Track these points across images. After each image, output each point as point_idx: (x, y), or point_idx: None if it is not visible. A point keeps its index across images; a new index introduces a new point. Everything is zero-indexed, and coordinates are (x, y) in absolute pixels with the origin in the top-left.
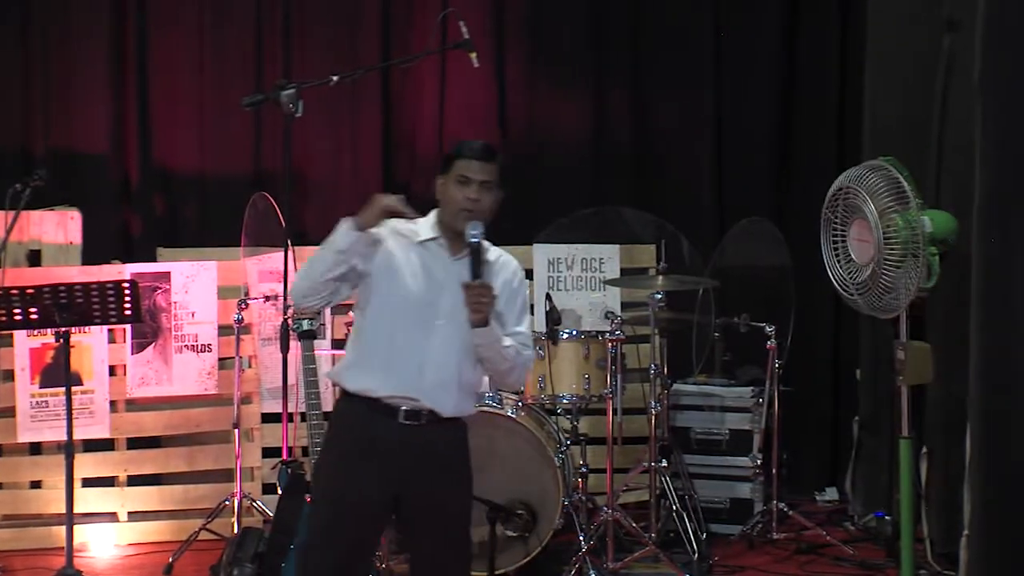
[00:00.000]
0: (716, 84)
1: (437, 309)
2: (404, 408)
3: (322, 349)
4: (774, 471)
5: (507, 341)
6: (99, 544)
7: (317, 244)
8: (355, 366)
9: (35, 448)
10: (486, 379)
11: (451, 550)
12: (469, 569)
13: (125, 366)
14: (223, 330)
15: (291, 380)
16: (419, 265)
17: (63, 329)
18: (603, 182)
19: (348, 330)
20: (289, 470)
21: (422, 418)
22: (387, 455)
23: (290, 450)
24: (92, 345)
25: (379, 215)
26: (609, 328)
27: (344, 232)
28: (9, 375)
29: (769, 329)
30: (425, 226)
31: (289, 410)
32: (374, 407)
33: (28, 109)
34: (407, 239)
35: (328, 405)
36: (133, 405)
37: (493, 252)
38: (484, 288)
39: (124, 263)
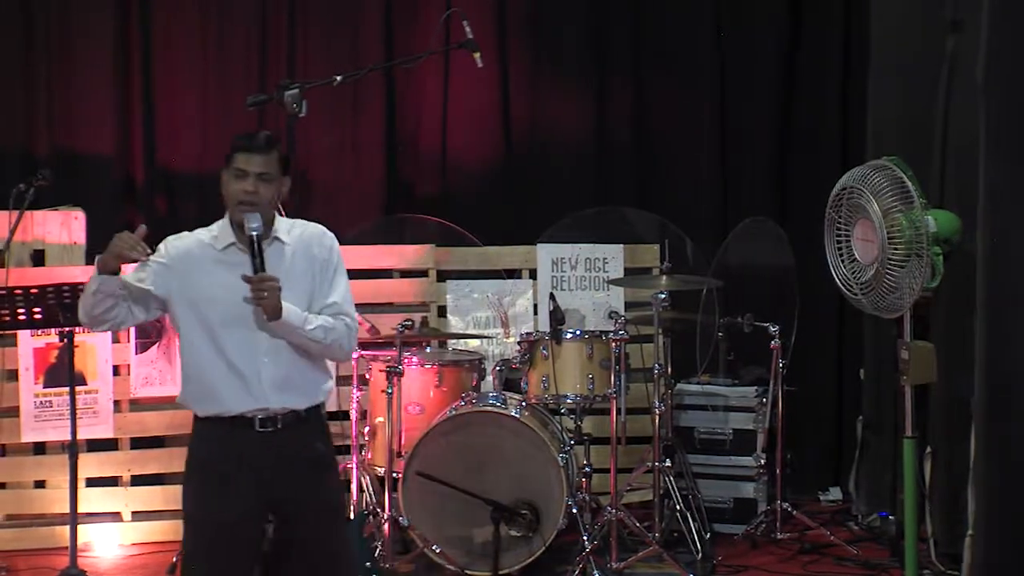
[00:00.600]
0: (718, 84)
1: (250, 316)
2: (259, 417)
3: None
4: (778, 471)
5: (313, 323)
6: (103, 544)
7: None
8: (198, 391)
9: (39, 448)
10: None
11: (332, 544)
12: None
13: (129, 366)
14: None
15: None
16: (223, 275)
17: (67, 329)
18: (606, 182)
19: None
20: None
21: (279, 422)
22: (254, 467)
23: None
24: (96, 345)
25: (114, 258)
26: (613, 328)
27: (94, 275)
28: (13, 375)
29: (773, 329)
30: (221, 232)
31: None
32: (231, 424)
33: (31, 110)
34: (210, 248)
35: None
36: (137, 405)
37: (294, 227)
38: (264, 280)
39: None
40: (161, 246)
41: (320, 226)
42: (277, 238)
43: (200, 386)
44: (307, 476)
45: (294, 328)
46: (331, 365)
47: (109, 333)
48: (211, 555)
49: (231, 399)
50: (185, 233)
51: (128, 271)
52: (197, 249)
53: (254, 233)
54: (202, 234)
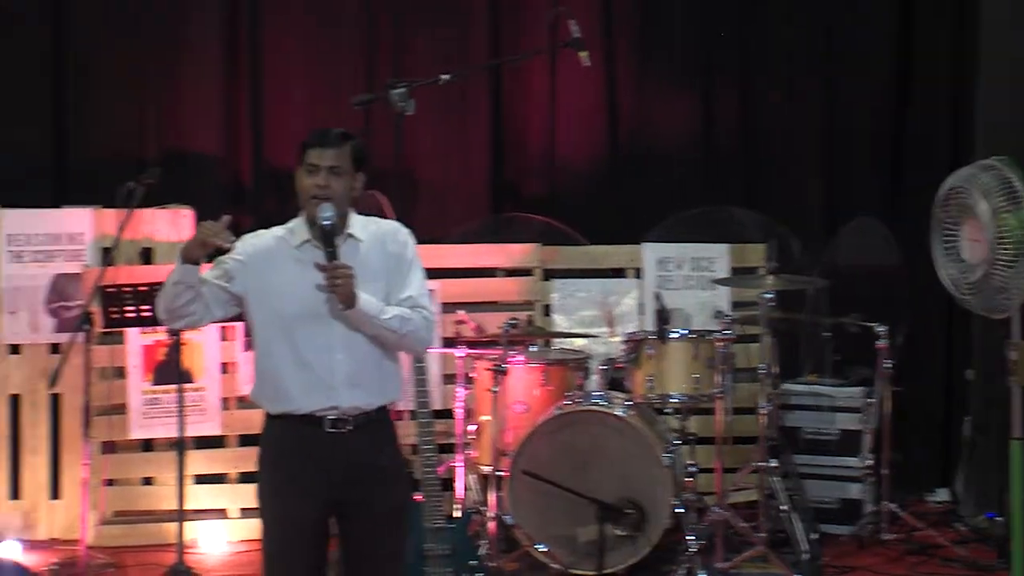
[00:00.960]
0: (827, 82)
1: (328, 309)
2: (329, 417)
3: (431, 348)
4: (884, 471)
5: (390, 312)
6: (209, 541)
7: (429, 243)
8: (270, 388)
9: (147, 445)
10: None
11: (389, 548)
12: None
13: (236, 364)
14: None
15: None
16: (299, 271)
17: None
18: (713, 182)
19: (457, 328)
20: None
21: (348, 423)
22: (323, 468)
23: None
24: (203, 343)
25: (198, 246)
26: (719, 327)
27: (176, 265)
28: (121, 372)
29: (879, 329)
30: (297, 229)
31: (398, 408)
32: (301, 422)
33: (142, 114)
34: (285, 245)
35: (437, 403)
36: (244, 403)
37: (369, 224)
38: (337, 268)
39: None
40: (238, 243)
41: (394, 223)
42: (351, 234)
43: (272, 383)
44: (374, 482)
45: (370, 317)
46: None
47: (216, 330)
48: (285, 554)
49: (302, 396)
50: (262, 231)
51: (205, 270)
52: (273, 246)
53: (326, 224)
54: (278, 231)
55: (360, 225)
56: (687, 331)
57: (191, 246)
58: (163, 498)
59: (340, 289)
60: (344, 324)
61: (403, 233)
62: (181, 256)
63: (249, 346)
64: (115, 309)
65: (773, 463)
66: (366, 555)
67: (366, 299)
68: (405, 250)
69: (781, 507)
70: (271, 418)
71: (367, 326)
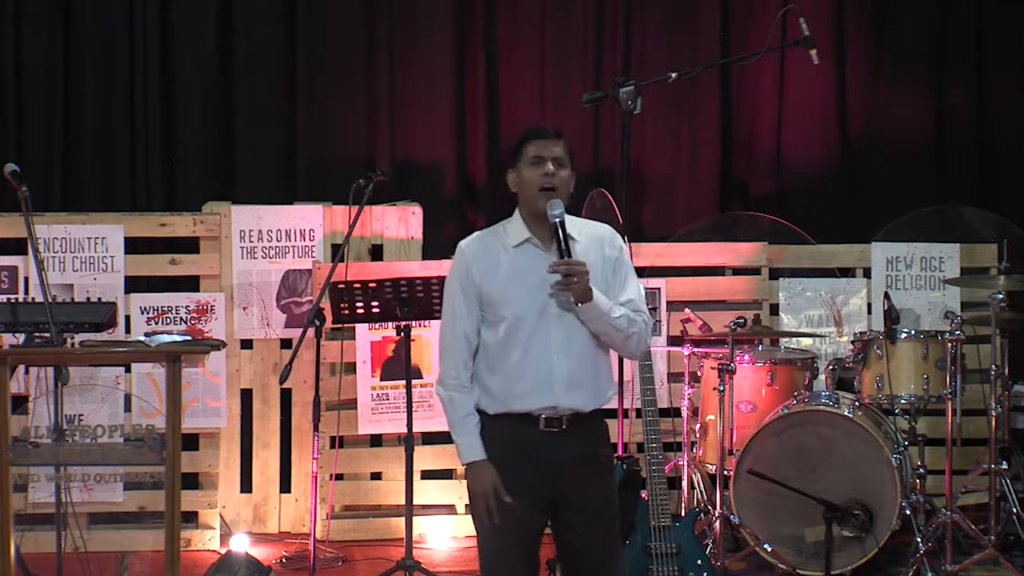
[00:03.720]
0: None
1: (548, 311)
2: (544, 416)
3: (657, 346)
4: None
5: (617, 311)
6: (437, 536)
7: (655, 241)
8: (491, 388)
9: (375, 440)
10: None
11: (606, 545)
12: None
13: None
14: None
15: (627, 376)
16: (517, 275)
17: (404, 323)
18: (944, 181)
19: (684, 327)
20: (624, 465)
21: (564, 423)
22: (539, 465)
23: (625, 446)
24: (431, 339)
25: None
26: (949, 328)
27: (468, 456)
28: (351, 368)
29: None
30: (513, 229)
31: (624, 406)
32: (519, 421)
33: (374, 116)
34: (503, 245)
35: (663, 401)
36: None
37: (584, 226)
38: (572, 264)
39: None
40: (458, 255)
41: (607, 226)
42: (569, 235)
43: (492, 384)
44: (587, 479)
45: (601, 313)
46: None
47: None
48: (502, 551)
49: (521, 397)
50: (476, 233)
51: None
52: (491, 248)
53: (558, 220)
54: (493, 232)
55: (576, 226)
56: (916, 331)
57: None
58: (391, 493)
59: (576, 286)
60: (562, 326)
61: (619, 238)
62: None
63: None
64: (345, 305)
65: (1004, 465)
66: (583, 551)
67: (598, 294)
68: (622, 254)
69: (1013, 510)
70: (488, 417)
71: (597, 322)
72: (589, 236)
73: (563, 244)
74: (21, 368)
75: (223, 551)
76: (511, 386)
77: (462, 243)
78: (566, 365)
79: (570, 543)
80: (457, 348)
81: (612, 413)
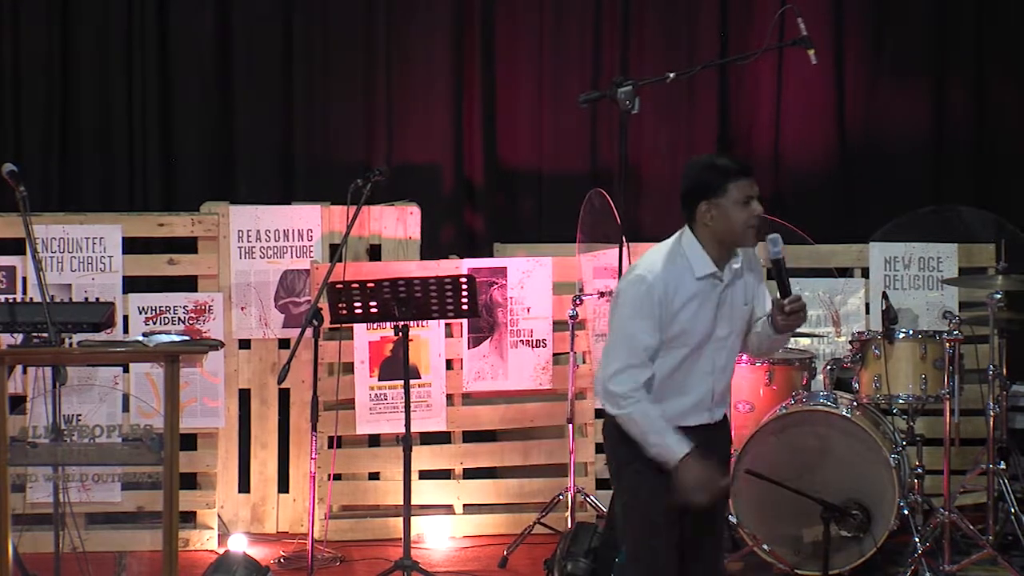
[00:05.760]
0: None
1: (715, 338)
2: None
3: None
4: None
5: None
6: (435, 536)
7: (653, 241)
8: (663, 415)
9: (374, 440)
10: None
11: (721, 541)
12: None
13: (461, 360)
14: (558, 326)
15: None
16: (698, 303)
17: (402, 323)
18: (942, 181)
19: None
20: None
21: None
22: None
23: None
24: (429, 339)
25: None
26: (947, 328)
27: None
28: (349, 368)
29: None
30: (697, 259)
31: None
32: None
33: (371, 119)
34: (688, 275)
35: None
36: (469, 399)
37: (738, 254)
38: (799, 304)
39: (461, 258)
40: (647, 282)
41: (749, 249)
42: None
43: (657, 399)
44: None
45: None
46: None
47: (442, 327)
48: (664, 525)
49: (683, 415)
50: (654, 251)
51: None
52: (677, 276)
53: (779, 257)
54: (676, 260)
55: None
56: (914, 331)
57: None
58: (389, 493)
59: (798, 321)
60: (723, 352)
61: (751, 253)
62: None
63: (473, 343)
64: (343, 305)
65: (1002, 465)
66: (708, 535)
67: None
68: (761, 271)
69: (1010, 510)
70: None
71: (780, 343)
72: (742, 260)
73: (785, 281)
74: (19, 368)
75: (221, 551)
76: (675, 405)
77: (643, 268)
78: (721, 383)
79: (697, 533)
80: (643, 365)
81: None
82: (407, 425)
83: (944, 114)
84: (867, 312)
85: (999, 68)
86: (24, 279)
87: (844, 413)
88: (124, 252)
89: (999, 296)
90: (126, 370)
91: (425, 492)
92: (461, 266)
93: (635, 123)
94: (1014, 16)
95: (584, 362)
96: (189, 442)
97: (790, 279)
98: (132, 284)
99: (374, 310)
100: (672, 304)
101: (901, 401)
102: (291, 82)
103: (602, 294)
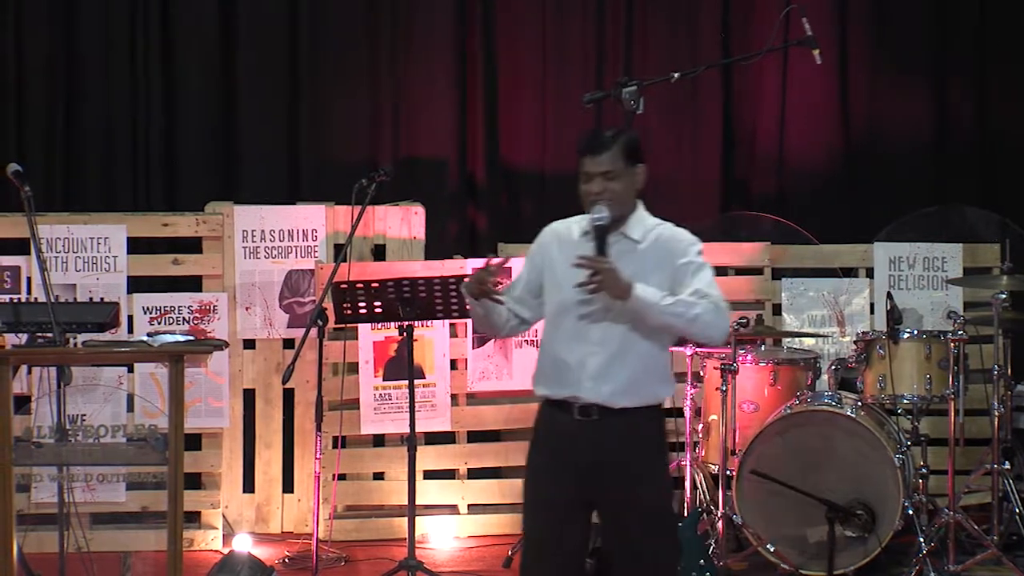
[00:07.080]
0: None
1: (592, 303)
2: (577, 405)
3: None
4: None
5: (671, 299)
6: (439, 536)
7: None
8: (537, 372)
9: (378, 440)
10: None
11: (649, 548)
12: (675, 566)
13: (466, 360)
14: None
15: None
16: (572, 260)
17: (406, 323)
18: (946, 181)
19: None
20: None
21: (593, 413)
22: (568, 452)
23: None
24: (434, 339)
25: (476, 286)
26: (951, 328)
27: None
28: (353, 368)
29: None
30: (584, 220)
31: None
32: (554, 407)
33: (375, 119)
34: (571, 233)
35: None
36: (474, 399)
37: (658, 228)
38: (595, 262)
39: (465, 258)
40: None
41: (686, 232)
42: (626, 235)
43: (539, 365)
44: (621, 482)
45: (649, 304)
46: (671, 373)
47: (446, 327)
48: (541, 536)
49: (555, 383)
50: (571, 218)
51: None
52: (563, 232)
53: (597, 223)
54: (574, 219)
55: (643, 227)
56: (919, 331)
57: (469, 287)
58: (393, 493)
59: (602, 285)
60: (611, 320)
61: (687, 241)
62: (465, 291)
63: (478, 343)
64: (347, 305)
65: (1006, 465)
66: (623, 554)
67: (642, 287)
68: (688, 256)
69: (1015, 510)
70: (542, 402)
71: (650, 315)
72: (656, 237)
73: (600, 245)
74: (24, 368)
75: (226, 551)
76: (549, 370)
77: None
78: (599, 358)
79: (611, 548)
80: None
81: None
82: (411, 425)
83: (948, 114)
84: (872, 312)
85: (1002, 68)
86: (29, 279)
87: (848, 413)
88: (128, 252)
89: (1004, 296)
90: (131, 370)
91: (429, 492)
92: (465, 266)
93: (639, 123)
94: (1014, 16)
95: None
96: (193, 442)
97: (604, 245)
98: (136, 284)
99: (378, 310)
100: (549, 247)
101: (905, 401)
102: (296, 81)
103: None
